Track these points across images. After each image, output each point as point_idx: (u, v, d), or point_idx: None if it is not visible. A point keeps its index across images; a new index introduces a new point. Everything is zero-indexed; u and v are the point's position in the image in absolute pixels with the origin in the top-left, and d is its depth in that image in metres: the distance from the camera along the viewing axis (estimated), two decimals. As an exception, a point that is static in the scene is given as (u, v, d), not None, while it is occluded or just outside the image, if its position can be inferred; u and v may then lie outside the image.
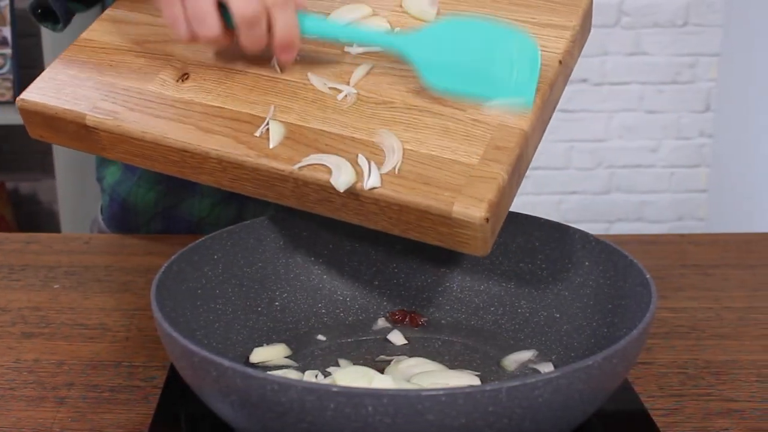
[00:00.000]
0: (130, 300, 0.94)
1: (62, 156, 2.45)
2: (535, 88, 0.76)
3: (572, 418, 0.62)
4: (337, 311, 0.87)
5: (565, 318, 0.81)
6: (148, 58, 0.86)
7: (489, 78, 0.77)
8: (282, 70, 0.82)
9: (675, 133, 2.82)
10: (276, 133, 0.77)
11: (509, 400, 0.56)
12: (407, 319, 0.85)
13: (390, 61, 0.82)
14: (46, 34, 2.32)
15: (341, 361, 0.79)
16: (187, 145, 0.78)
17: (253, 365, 0.78)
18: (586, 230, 0.82)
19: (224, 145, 0.77)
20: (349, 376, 0.71)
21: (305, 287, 0.87)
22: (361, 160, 0.74)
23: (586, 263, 0.81)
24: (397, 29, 0.85)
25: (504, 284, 0.86)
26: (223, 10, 0.77)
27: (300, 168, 0.74)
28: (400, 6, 0.87)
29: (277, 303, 0.85)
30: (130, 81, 0.84)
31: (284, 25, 0.77)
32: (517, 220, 0.85)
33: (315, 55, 0.84)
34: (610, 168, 2.84)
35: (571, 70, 0.84)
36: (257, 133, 0.78)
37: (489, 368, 0.79)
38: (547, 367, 0.78)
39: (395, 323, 0.85)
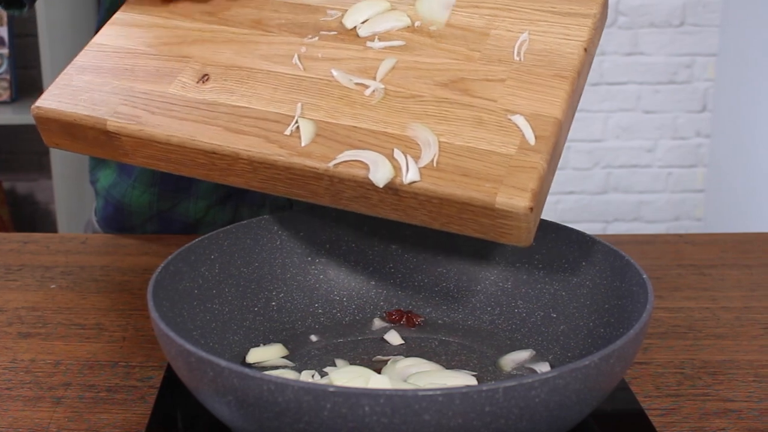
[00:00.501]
0: (126, 300, 0.94)
1: (59, 156, 2.45)
2: None
3: (569, 418, 0.62)
4: (334, 311, 0.87)
5: (562, 318, 0.81)
6: (164, 61, 0.85)
7: None
8: None
9: (672, 133, 2.82)
10: (307, 130, 0.77)
11: (506, 400, 0.56)
12: (404, 319, 0.85)
13: (414, 54, 0.82)
14: (44, 34, 2.32)
15: (338, 361, 0.79)
16: (216, 147, 0.77)
17: (250, 365, 0.78)
18: (583, 230, 0.82)
19: (254, 145, 0.77)
20: (346, 376, 0.71)
21: (302, 287, 0.87)
22: (398, 154, 0.73)
23: (583, 263, 0.81)
24: (417, 23, 0.84)
25: (501, 284, 0.86)
26: None
27: (335, 165, 0.74)
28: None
29: (273, 303, 0.85)
30: (149, 84, 0.83)
31: None
32: (514, 220, 0.85)
33: (336, 51, 0.83)
34: (607, 168, 2.84)
35: (593, 58, 0.84)
36: (287, 132, 0.77)
37: (486, 368, 0.79)
38: (543, 367, 0.78)
39: (392, 323, 0.85)
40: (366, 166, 0.73)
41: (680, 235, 1.12)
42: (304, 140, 0.76)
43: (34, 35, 2.36)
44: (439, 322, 0.86)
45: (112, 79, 0.84)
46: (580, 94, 0.82)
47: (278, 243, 0.86)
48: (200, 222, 1.12)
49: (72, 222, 2.52)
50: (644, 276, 0.72)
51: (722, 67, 2.74)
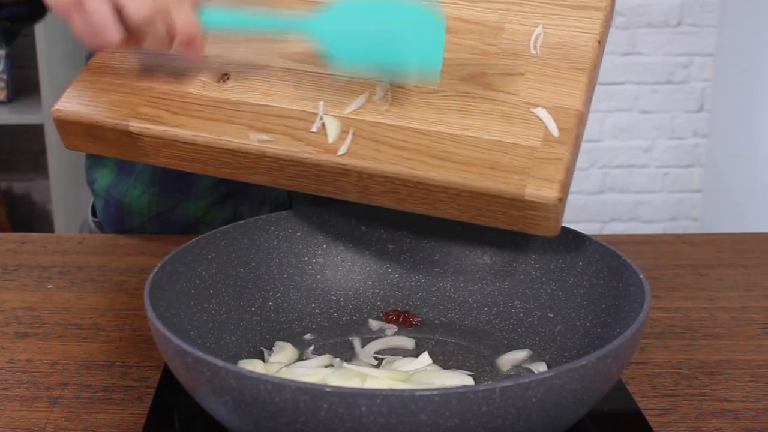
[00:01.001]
0: (123, 300, 0.94)
1: (56, 156, 2.44)
2: (442, 55, 0.77)
3: (566, 418, 0.62)
4: (331, 311, 0.86)
5: (559, 318, 0.81)
6: (181, 61, 0.84)
7: (396, 48, 0.77)
8: (194, 60, 0.81)
9: (669, 133, 2.82)
10: (333, 127, 0.77)
11: (503, 400, 0.56)
12: (401, 319, 0.85)
13: None
14: (41, 34, 2.31)
15: (334, 361, 0.79)
16: (243, 146, 0.77)
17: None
18: (580, 230, 0.82)
19: (281, 142, 0.77)
20: (343, 376, 0.71)
21: (299, 287, 0.87)
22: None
23: (580, 263, 0.81)
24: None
25: (498, 284, 0.86)
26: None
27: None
28: None
29: (270, 303, 0.85)
30: (168, 85, 0.83)
31: (182, 21, 0.77)
32: (511, 220, 0.85)
33: None
34: (604, 168, 2.84)
35: (604, 50, 0.85)
36: (313, 129, 0.77)
37: (482, 368, 0.79)
38: (540, 367, 0.78)
39: (389, 323, 0.85)
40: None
41: (677, 235, 1.12)
42: (331, 137, 0.77)
43: (31, 35, 2.35)
44: (436, 322, 0.86)
45: (131, 80, 0.84)
46: (595, 86, 0.83)
47: (275, 243, 0.86)
48: (200, 221, 1.12)
49: (69, 222, 2.52)
50: (641, 276, 0.72)
51: (720, 67, 2.74)
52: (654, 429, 0.72)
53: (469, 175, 0.73)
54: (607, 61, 2.75)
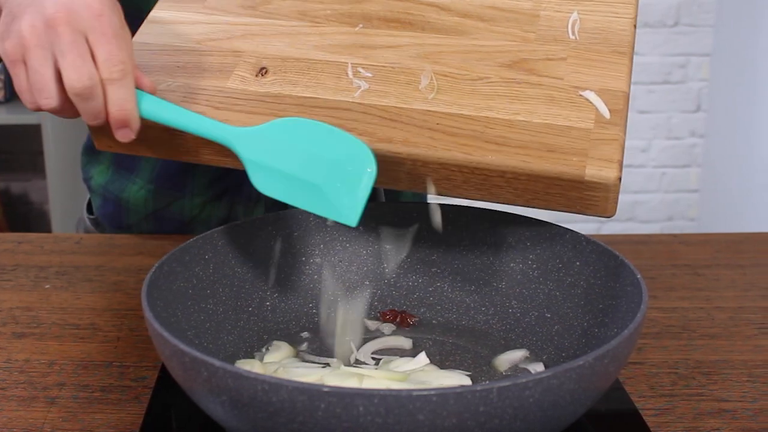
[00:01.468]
0: (121, 300, 0.94)
1: (53, 156, 2.44)
2: (363, 203, 0.72)
3: (563, 418, 0.62)
4: (328, 311, 0.86)
5: (556, 318, 0.81)
6: (216, 56, 0.84)
7: (316, 192, 0.73)
8: (121, 141, 0.76)
9: (666, 133, 2.83)
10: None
11: (500, 400, 0.56)
12: (398, 319, 0.85)
13: (470, 38, 0.83)
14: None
15: (332, 361, 0.79)
16: None
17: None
18: (577, 230, 0.82)
19: None
20: (340, 376, 0.71)
21: (296, 287, 0.87)
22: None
23: (577, 263, 0.81)
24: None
25: (495, 284, 0.86)
26: None
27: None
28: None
29: (267, 303, 0.85)
30: (205, 80, 0.82)
31: (118, 100, 0.73)
32: (508, 219, 0.85)
33: (393, 39, 0.84)
34: (602, 168, 2.84)
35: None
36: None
37: (480, 368, 0.79)
38: (538, 367, 0.78)
39: (386, 323, 0.85)
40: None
41: (674, 235, 1.13)
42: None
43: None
44: (434, 322, 0.86)
45: (165, 76, 0.83)
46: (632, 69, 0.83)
47: (272, 243, 0.86)
48: (195, 219, 1.12)
49: (66, 222, 2.52)
50: (638, 276, 0.72)
51: (716, 67, 2.74)
52: (651, 429, 0.72)
53: (527, 158, 0.73)
54: (604, 61, 2.76)
